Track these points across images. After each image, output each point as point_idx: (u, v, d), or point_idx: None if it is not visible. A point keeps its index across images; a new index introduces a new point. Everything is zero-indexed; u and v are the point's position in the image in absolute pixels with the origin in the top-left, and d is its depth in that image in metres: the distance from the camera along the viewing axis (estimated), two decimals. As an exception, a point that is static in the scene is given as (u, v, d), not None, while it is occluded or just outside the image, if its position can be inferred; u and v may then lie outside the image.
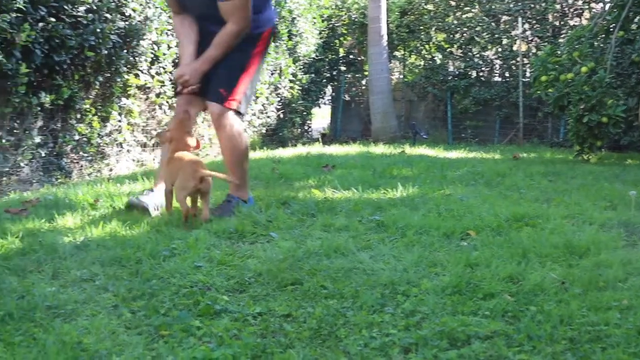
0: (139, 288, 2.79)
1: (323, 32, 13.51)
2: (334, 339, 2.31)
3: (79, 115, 6.78)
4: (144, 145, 7.95)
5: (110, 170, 7.31)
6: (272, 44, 4.43)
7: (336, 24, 14.14)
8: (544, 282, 2.85)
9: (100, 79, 6.94)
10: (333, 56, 14.32)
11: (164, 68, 8.03)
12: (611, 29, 8.51)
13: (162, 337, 2.30)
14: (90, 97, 6.92)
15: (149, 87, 7.85)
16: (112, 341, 2.25)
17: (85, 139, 6.87)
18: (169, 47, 8.07)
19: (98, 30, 6.55)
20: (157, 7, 7.75)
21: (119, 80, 7.20)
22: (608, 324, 2.38)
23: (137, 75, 7.53)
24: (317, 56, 13.01)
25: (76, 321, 2.44)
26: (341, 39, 14.37)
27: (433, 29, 13.98)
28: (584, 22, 12.11)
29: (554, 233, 3.74)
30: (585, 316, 2.46)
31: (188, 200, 4.02)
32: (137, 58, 7.46)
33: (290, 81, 11.66)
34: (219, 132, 4.36)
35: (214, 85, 4.28)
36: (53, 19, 6.00)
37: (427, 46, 14.21)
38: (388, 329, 2.38)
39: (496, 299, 2.65)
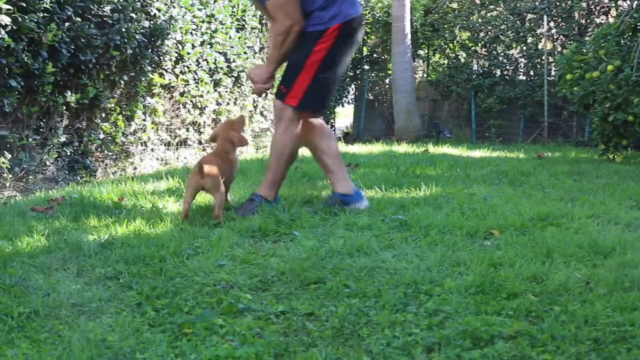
0: (163, 286, 2.80)
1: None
2: (357, 338, 2.31)
3: (103, 114, 6.83)
4: (168, 144, 7.99)
5: (135, 169, 7.36)
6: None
7: (360, 23, 14.11)
8: (568, 282, 2.82)
9: (125, 78, 6.99)
10: (356, 55, 14.31)
11: (188, 67, 8.08)
12: (638, 27, 8.42)
13: (185, 335, 2.31)
14: (115, 96, 6.98)
15: (173, 86, 7.90)
16: (136, 339, 2.27)
17: (110, 137, 6.92)
18: (193, 47, 8.11)
19: (123, 29, 6.60)
20: (181, 7, 7.79)
21: (143, 79, 7.25)
22: (633, 324, 2.35)
23: (161, 75, 7.58)
24: (340, 55, 13.00)
25: (100, 319, 2.46)
26: (365, 37, 14.35)
27: (457, 27, 13.93)
28: (611, 20, 12.00)
29: (578, 233, 3.71)
30: (610, 317, 2.44)
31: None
32: (161, 57, 7.51)
33: (314, 80, 11.66)
34: (275, 127, 4.50)
35: (279, 83, 4.43)
36: (79, 19, 6.05)
37: (451, 45, 14.17)
38: (411, 328, 2.37)
39: (520, 299, 2.64)
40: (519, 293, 2.71)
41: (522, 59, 13.37)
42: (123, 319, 2.42)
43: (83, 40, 6.11)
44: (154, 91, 7.54)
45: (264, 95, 8.28)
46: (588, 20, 12.65)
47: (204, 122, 8.58)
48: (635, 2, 8.35)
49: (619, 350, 2.17)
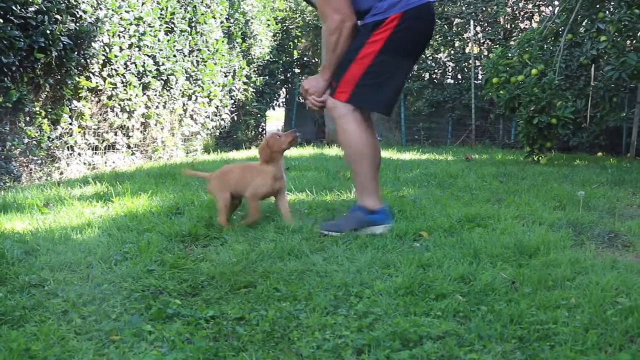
0: (90, 293, 2.75)
1: (277, 35, 13.49)
2: (287, 341, 2.31)
3: (28, 118, 6.67)
4: (96, 149, 7.85)
5: (61, 173, 7.20)
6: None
7: (290, 26, 14.15)
8: (494, 282, 2.88)
9: (51, 81, 6.84)
10: (287, 58, 14.33)
11: (115, 70, 7.95)
12: (560, 32, 8.67)
13: (112, 342, 2.27)
14: (40, 99, 6.81)
15: (100, 90, 7.76)
16: (62, 347, 2.22)
17: (35, 142, 6.76)
18: (121, 49, 7.98)
19: (48, 31, 6.45)
20: (108, 9, 7.66)
21: (69, 82, 7.11)
22: (556, 322, 2.41)
23: (88, 78, 7.44)
24: (271, 58, 13.02)
25: (24, 327, 2.40)
26: (295, 41, 14.37)
27: (387, 31, 14.05)
28: (534, 25, 12.31)
29: (504, 233, 3.78)
30: (535, 315, 2.49)
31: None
32: (88, 60, 7.37)
33: (244, 83, 11.63)
34: (336, 126, 4.04)
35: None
36: (1, 20, 5.89)
37: (380, 48, 14.28)
38: (341, 330, 2.38)
39: (448, 300, 2.67)
40: (447, 294, 2.75)
41: (450, 63, 13.59)
42: (48, 328, 2.36)
43: (5, 42, 5.95)
44: (80, 94, 7.39)
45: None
46: (513, 25, 12.95)
47: (133, 125, 8.46)
48: (557, 8, 8.58)
49: (542, 348, 2.22)
